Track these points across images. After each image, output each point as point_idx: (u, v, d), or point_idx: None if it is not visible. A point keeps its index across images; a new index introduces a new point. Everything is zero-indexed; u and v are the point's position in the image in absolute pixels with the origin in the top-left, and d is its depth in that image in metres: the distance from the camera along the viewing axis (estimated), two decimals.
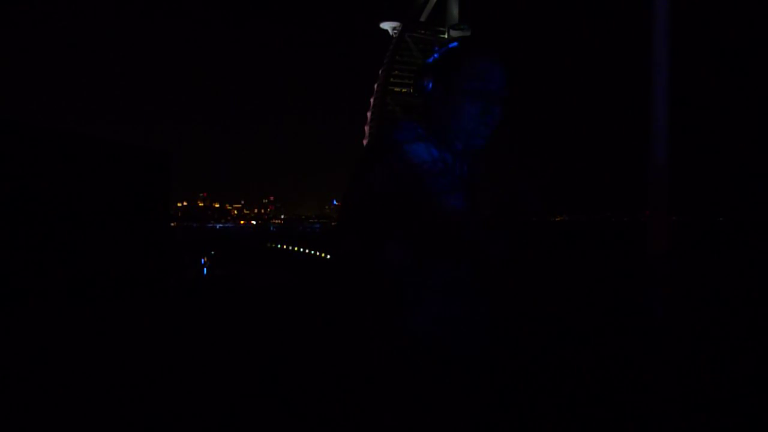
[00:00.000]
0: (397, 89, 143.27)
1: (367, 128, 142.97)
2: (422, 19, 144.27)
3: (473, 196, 1.30)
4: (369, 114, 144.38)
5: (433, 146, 1.23)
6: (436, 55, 1.31)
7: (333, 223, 1.37)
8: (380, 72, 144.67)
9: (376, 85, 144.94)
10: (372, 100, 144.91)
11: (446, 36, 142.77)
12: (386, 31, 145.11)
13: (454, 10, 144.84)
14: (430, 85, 1.28)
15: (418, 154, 1.19)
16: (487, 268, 1.23)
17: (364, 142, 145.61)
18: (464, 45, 1.29)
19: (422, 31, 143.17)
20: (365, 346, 1.20)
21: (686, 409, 2.83)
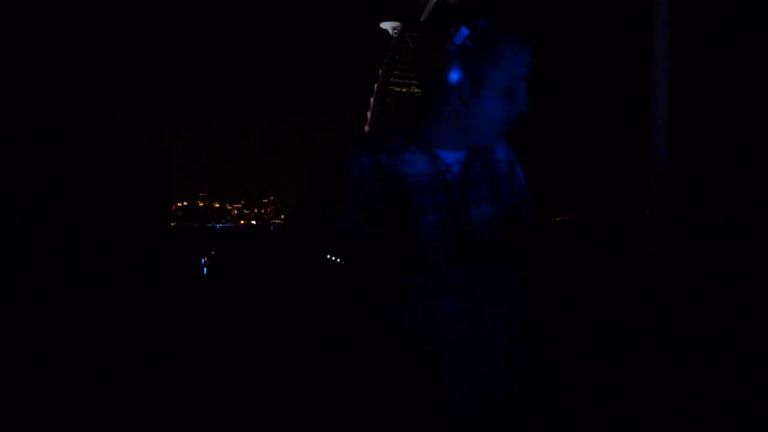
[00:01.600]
0: (397, 89, 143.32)
1: (367, 128, 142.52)
2: (422, 19, 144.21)
3: (478, 191, 1.14)
4: (369, 114, 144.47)
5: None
6: (468, 42, 1.01)
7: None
8: (380, 72, 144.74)
9: (376, 85, 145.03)
10: (372, 100, 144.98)
11: None
12: (386, 31, 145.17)
13: None
14: (456, 78, 1.02)
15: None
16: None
17: None
18: (503, 31, 1.01)
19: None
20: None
21: (686, 408, 2.84)
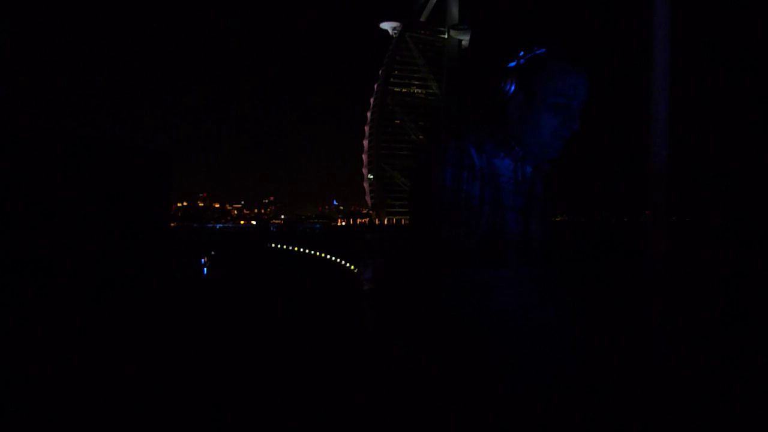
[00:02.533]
0: (397, 89, 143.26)
1: (367, 128, 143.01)
2: (422, 19, 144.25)
3: (538, 204, 1.32)
4: (369, 114, 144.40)
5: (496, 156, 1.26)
6: (522, 61, 1.26)
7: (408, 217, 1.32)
8: (380, 72, 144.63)
9: (376, 85, 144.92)
10: (372, 100, 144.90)
11: (446, 36, 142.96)
12: (386, 31, 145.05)
13: (454, 10, 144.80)
14: (512, 89, 1.26)
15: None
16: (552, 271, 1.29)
17: (365, 142, 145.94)
18: (554, 56, 1.24)
19: (422, 31, 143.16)
20: (437, 326, 1.22)
21: (686, 408, 2.83)
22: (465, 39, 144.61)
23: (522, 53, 1.26)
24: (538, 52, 1.25)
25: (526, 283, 1.26)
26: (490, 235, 1.22)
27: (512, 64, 1.26)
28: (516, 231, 1.25)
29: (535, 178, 1.32)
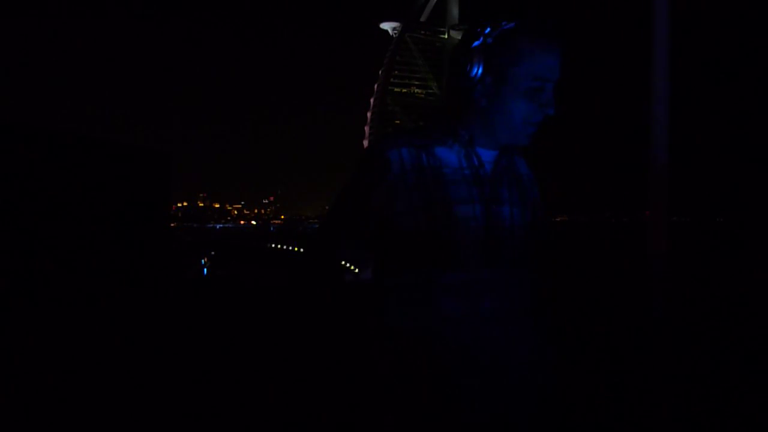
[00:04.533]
0: (397, 89, 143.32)
1: (367, 128, 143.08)
2: (422, 19, 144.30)
3: (515, 190, 1.19)
4: (369, 114, 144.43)
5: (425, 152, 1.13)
6: (489, 39, 1.08)
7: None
8: (380, 72, 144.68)
9: (376, 85, 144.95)
10: (372, 100, 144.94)
11: (446, 36, 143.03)
12: (386, 31, 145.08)
13: (454, 10, 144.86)
14: (479, 72, 1.09)
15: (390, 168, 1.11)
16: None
17: (365, 142, 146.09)
18: (526, 32, 1.07)
19: (422, 32, 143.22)
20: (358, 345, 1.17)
21: (685, 408, 2.83)
22: None
23: (488, 30, 1.08)
24: (506, 27, 1.08)
25: (465, 288, 1.09)
26: (438, 235, 1.09)
27: (477, 42, 1.08)
28: (473, 226, 1.10)
29: (501, 160, 1.17)
